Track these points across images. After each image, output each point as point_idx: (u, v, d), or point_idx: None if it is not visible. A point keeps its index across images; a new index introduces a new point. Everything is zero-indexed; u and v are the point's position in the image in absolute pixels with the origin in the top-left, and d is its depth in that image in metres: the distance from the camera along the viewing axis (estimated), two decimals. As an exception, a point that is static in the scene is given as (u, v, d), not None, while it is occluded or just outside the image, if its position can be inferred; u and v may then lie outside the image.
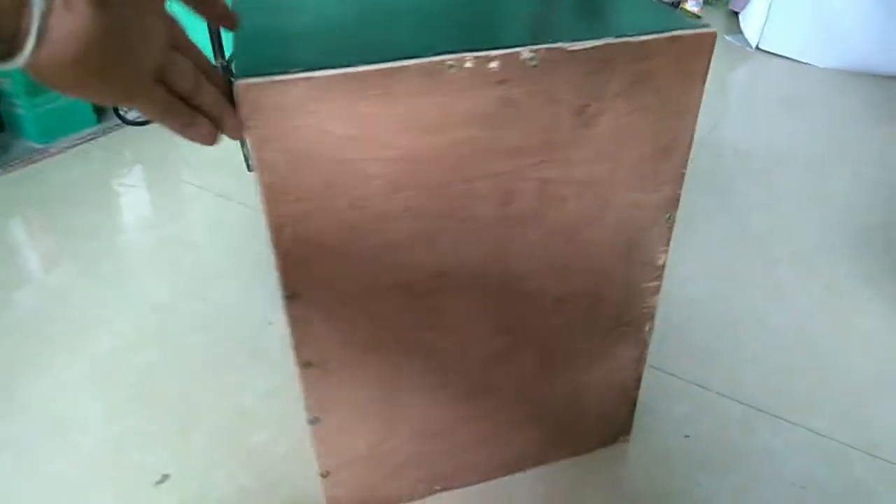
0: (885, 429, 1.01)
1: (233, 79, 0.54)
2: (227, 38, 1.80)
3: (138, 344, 1.19)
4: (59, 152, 1.79)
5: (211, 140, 0.51)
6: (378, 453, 0.82)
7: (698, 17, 2.59)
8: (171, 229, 1.52)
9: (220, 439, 1.01)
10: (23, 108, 1.79)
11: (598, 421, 0.93)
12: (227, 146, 1.77)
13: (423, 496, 0.90)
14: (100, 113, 1.94)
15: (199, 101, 0.49)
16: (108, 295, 1.31)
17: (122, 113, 1.93)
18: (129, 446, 1.01)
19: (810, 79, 2.20)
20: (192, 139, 0.50)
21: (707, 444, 0.99)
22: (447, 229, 0.66)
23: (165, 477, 0.96)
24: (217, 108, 0.50)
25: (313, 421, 0.77)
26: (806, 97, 2.10)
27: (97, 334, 1.21)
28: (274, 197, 0.61)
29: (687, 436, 1.00)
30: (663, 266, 0.79)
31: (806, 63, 2.28)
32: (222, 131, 0.52)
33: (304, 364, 0.71)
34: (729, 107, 2.03)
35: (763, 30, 2.34)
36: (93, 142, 1.85)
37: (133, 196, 1.68)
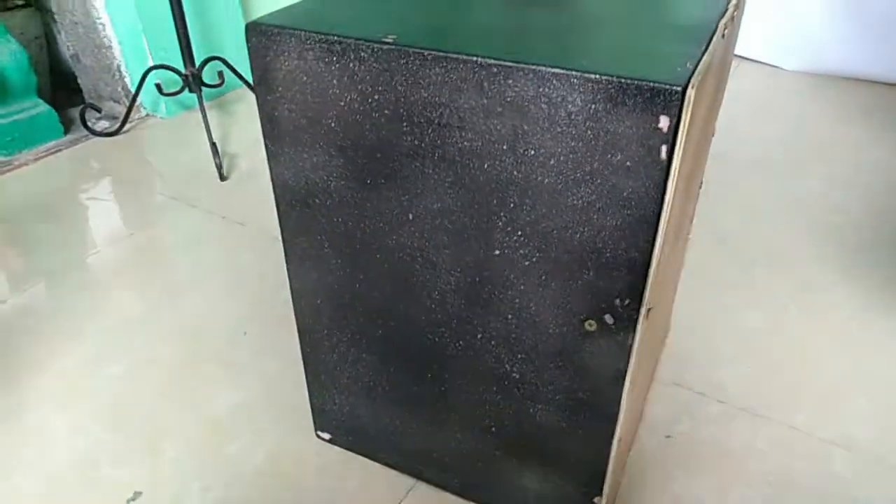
0: (863, 423, 1.02)
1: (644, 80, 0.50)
2: (198, 44, 1.77)
3: (107, 357, 1.16)
4: (25, 164, 1.75)
5: None
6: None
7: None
8: (142, 241, 1.48)
9: (192, 452, 0.99)
10: (-14, 120, 1.75)
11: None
12: (199, 157, 1.75)
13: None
14: (67, 124, 1.90)
15: None
16: (77, 308, 1.27)
17: (89, 124, 1.89)
18: (98, 463, 0.97)
19: (780, 82, 2.23)
20: None
21: (687, 445, 0.99)
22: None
23: (137, 494, 0.93)
24: None
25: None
26: (777, 100, 2.13)
27: (65, 348, 1.18)
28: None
29: (668, 436, 0.99)
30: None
31: (775, 66, 2.31)
32: None
33: None
34: (701, 110, 2.05)
35: (732, 35, 2.37)
36: (59, 154, 1.81)
37: (102, 208, 1.65)
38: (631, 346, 0.64)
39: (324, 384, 0.92)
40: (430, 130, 0.59)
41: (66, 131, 1.89)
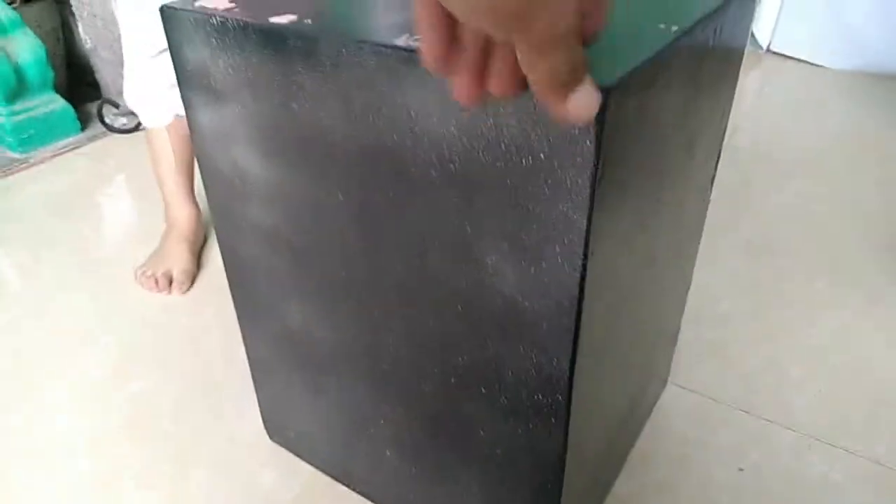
0: (952, 456, 0.93)
1: None
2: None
3: (127, 364, 1.08)
4: (40, 162, 1.68)
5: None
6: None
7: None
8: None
9: (221, 476, 0.91)
10: (1, 116, 1.67)
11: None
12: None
13: None
14: (83, 120, 1.83)
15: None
16: (94, 311, 1.20)
17: (107, 121, 1.82)
18: (119, 482, 0.90)
19: (825, 81, 2.14)
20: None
21: (761, 477, 0.90)
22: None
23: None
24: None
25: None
26: (821, 100, 2.04)
27: (81, 354, 1.10)
28: None
29: (741, 469, 0.91)
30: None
31: (818, 65, 2.22)
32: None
33: None
34: (743, 111, 1.95)
35: (774, 31, 2.27)
36: (76, 151, 1.74)
37: (119, 207, 1.58)
38: None
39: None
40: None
41: (83, 128, 1.82)
